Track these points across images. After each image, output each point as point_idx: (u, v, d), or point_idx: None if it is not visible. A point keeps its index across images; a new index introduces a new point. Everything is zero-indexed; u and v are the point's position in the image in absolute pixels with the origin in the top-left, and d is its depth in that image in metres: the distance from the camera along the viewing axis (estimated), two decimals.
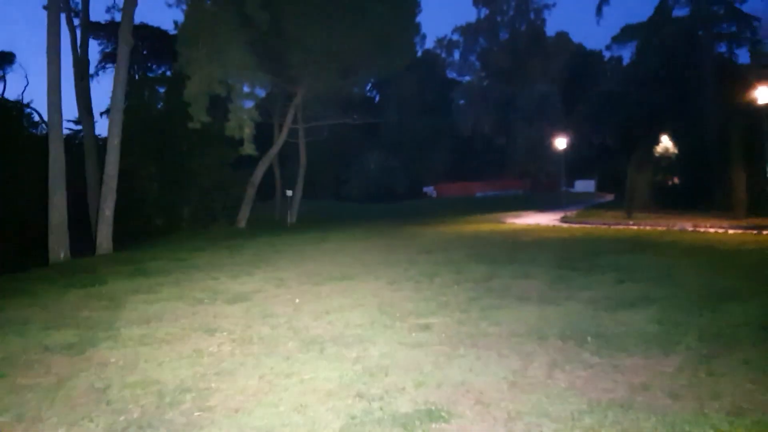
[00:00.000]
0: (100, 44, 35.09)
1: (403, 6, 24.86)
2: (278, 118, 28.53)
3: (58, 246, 15.13)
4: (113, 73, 18.18)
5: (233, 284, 8.93)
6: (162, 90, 28.74)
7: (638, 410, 3.33)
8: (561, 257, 10.05)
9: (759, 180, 16.00)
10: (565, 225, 19.11)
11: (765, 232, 13.17)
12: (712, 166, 22.77)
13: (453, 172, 57.52)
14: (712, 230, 14.35)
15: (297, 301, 7.31)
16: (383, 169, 51.44)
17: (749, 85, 18.31)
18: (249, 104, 20.03)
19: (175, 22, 19.93)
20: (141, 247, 17.82)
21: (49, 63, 15.59)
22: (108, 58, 35.83)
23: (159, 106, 27.47)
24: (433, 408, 3.52)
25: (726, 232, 13.68)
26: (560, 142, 31.28)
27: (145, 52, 36.96)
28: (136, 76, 32.68)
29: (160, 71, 37.18)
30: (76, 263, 13.63)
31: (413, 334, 5.33)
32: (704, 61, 27.13)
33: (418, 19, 27.41)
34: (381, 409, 3.55)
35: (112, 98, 17.63)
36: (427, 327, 5.59)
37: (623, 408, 3.36)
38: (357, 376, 4.19)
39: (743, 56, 33.67)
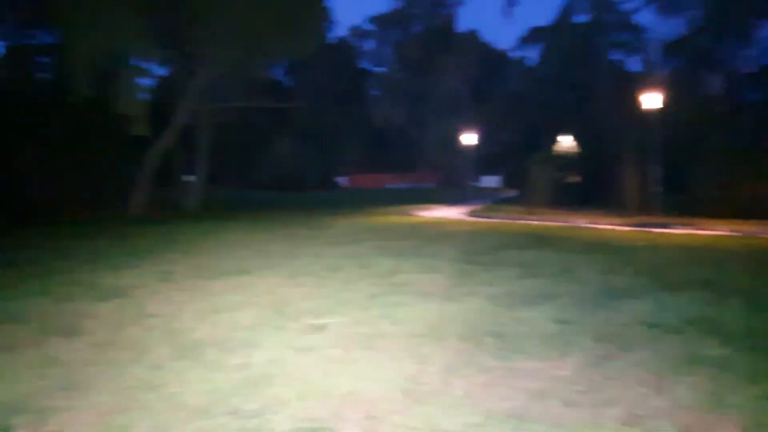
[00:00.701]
0: None
1: None
2: (180, 98, 26.89)
3: None
4: None
5: (112, 278, 8.07)
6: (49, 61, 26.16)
7: (534, 421, 3.12)
8: (466, 251, 10.01)
9: (649, 180, 17.00)
10: (471, 219, 19.43)
11: (654, 230, 13.96)
12: (608, 167, 24.07)
13: (366, 163, 57.53)
14: (606, 227, 15.05)
15: (182, 298, 6.66)
16: (295, 156, 50.34)
17: (641, 91, 19.46)
18: (142, 80, 18.53)
19: None
20: (19, 234, 16.03)
21: None
22: None
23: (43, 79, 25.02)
24: (316, 425, 3.14)
25: (619, 229, 14.39)
26: (469, 138, 31.97)
27: (27, 18, 33.52)
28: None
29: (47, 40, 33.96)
30: None
31: (306, 337, 4.91)
32: (601, 66, 28.64)
33: (328, 4, 26.86)
34: (257, 428, 3.12)
35: None
36: (322, 328, 5.19)
37: (519, 420, 3.15)
38: (235, 388, 3.72)
39: (635, 64, 35.99)
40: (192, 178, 26.14)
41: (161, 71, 33.29)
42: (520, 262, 8.67)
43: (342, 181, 57.70)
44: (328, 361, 4.23)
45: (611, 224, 15.69)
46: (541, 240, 11.79)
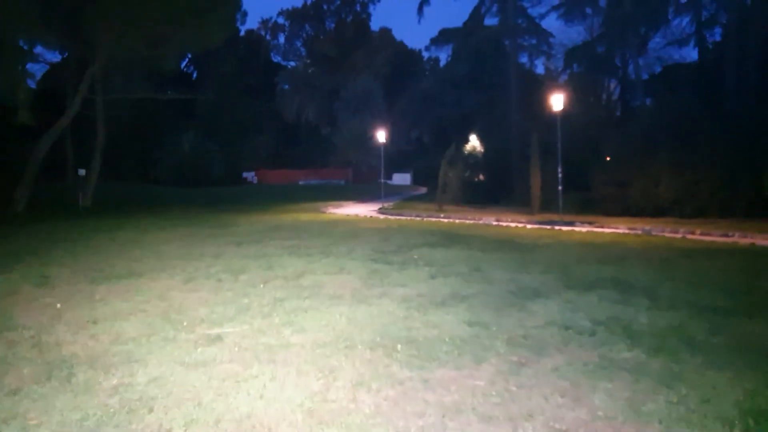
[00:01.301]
0: None
1: None
2: (74, 86, 24.73)
3: None
4: None
5: None
6: None
7: None
8: (377, 250, 9.74)
9: (552, 180, 17.63)
10: (382, 216, 19.28)
11: (557, 228, 14.42)
12: (513, 166, 24.84)
13: (276, 159, 56.17)
14: (513, 225, 15.39)
15: (59, 305, 5.87)
16: (199, 151, 48.11)
17: (545, 93, 20.18)
18: (30, 65, 16.73)
19: None
20: None
21: None
22: None
23: None
24: None
25: (525, 226, 14.74)
26: (380, 135, 31.90)
27: None
28: None
29: None
30: None
31: (199, 350, 4.39)
32: (509, 68, 29.53)
33: None
34: None
35: None
36: (218, 338, 4.68)
37: None
38: (107, 416, 3.17)
39: (540, 67, 37.51)
40: (83, 171, 24.06)
41: (53, 57, 30.63)
42: (431, 261, 8.52)
43: (250, 177, 55.97)
44: (223, 379, 3.75)
45: (517, 222, 16.09)
46: (450, 238, 11.77)
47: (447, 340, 4.54)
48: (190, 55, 56.05)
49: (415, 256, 9.02)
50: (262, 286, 6.83)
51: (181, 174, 46.27)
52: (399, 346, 4.37)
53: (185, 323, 5.13)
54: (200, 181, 45.21)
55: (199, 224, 15.83)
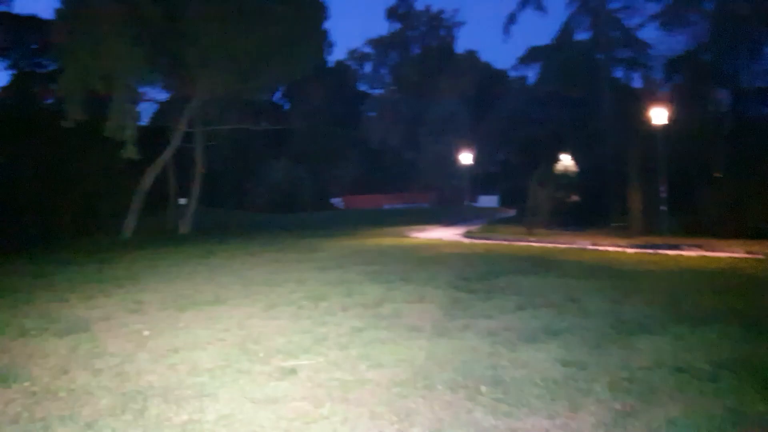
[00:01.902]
0: None
1: (309, 10, 23.77)
2: (175, 121, 26.45)
3: None
4: None
5: (80, 308, 7.41)
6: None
7: None
8: (461, 277, 9.29)
9: (654, 199, 16.34)
10: (467, 240, 18.73)
11: (661, 252, 13.24)
12: (609, 185, 23.45)
13: (361, 184, 57.00)
14: (611, 249, 14.33)
15: (146, 333, 5.95)
16: (290, 178, 49.82)
17: (644, 108, 18.90)
18: (133, 103, 17.98)
19: (57, 11, 17.49)
20: (5, 257, 15.31)
21: None
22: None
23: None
24: None
25: (624, 251, 13.66)
26: (466, 158, 31.41)
27: (35, 47, 33.21)
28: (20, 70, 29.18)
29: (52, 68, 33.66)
30: None
31: (271, 384, 4.20)
32: (602, 83, 28.20)
33: (327, 26, 26.49)
34: None
35: None
36: (292, 372, 4.48)
37: None
38: None
39: (637, 80, 35.54)
40: (183, 200, 25.52)
41: (157, 94, 33.09)
42: (521, 290, 7.96)
43: (337, 202, 57.09)
44: (292, 419, 3.51)
45: (616, 246, 15.00)
46: (542, 264, 11.08)
47: (538, 381, 4.06)
48: (282, 88, 58.65)
49: (502, 284, 8.49)
50: (340, 314, 6.63)
51: (273, 200, 48.06)
52: (483, 388, 3.95)
53: (261, 354, 4.99)
54: (292, 207, 46.68)
55: (287, 249, 16.08)
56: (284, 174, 49.69)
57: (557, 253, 13.56)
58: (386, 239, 19.63)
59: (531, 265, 10.85)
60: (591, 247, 15.13)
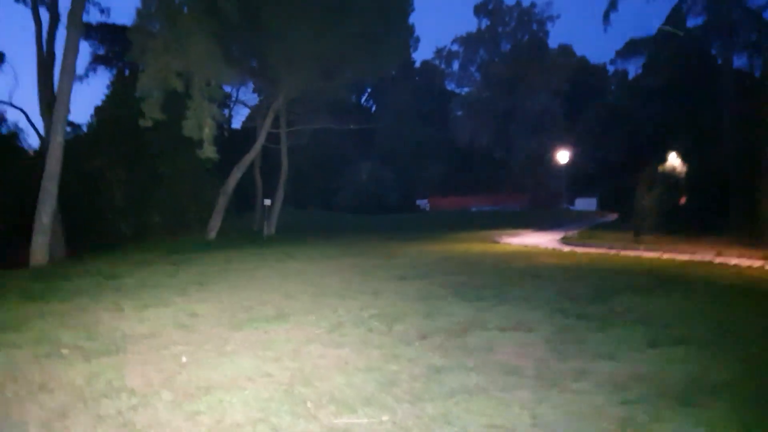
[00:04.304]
0: (90, 45, 32.82)
1: (394, 4, 22.70)
2: (259, 121, 26.42)
3: None
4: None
5: (129, 321, 6.68)
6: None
7: None
8: (566, 296, 7.74)
9: None
10: (566, 248, 16.83)
11: None
12: (729, 187, 20.55)
13: (448, 185, 55.40)
14: (746, 262, 12.02)
15: (184, 359, 5.00)
16: (376, 179, 49.25)
17: None
18: (212, 102, 17.70)
19: (138, 11, 17.58)
20: (89, 258, 15.48)
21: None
22: (99, 60, 33.49)
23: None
24: None
25: (764, 266, 11.32)
26: (562, 156, 29.14)
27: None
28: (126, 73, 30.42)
29: None
30: None
31: None
32: (719, 73, 25.00)
33: (412, 22, 25.28)
34: None
35: (58, 91, 15.49)
36: None
37: None
38: None
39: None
40: (268, 201, 25.35)
41: (242, 95, 33.47)
42: (646, 316, 6.33)
43: (423, 204, 55.84)
44: None
45: (746, 258, 12.65)
46: (662, 280, 9.24)
47: None
48: (368, 89, 58.36)
49: (620, 308, 6.87)
50: (417, 344, 5.37)
51: (359, 202, 47.68)
52: None
53: (309, 403, 3.84)
54: (377, 208, 46.05)
55: (368, 254, 15.08)
56: (369, 175, 49.22)
57: (677, 267, 11.49)
58: (475, 245, 18.13)
59: (650, 281, 9.04)
60: (717, 260, 12.83)
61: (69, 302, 8.00)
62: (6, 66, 29.04)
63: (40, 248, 15.01)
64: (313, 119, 28.40)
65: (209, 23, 16.88)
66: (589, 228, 26.84)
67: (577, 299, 7.41)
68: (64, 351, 5.25)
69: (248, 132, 33.50)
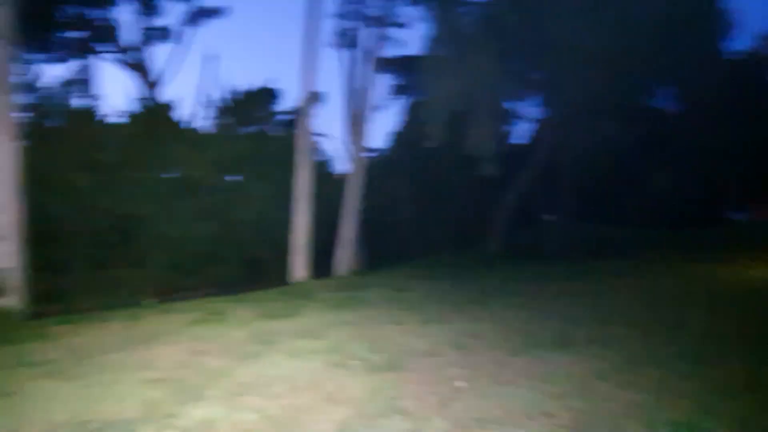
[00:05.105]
0: (388, 77, 36.82)
1: None
2: (537, 135, 25.90)
3: (297, 266, 15.28)
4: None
5: (409, 336, 6.87)
6: None
7: None
8: None
9: None
10: None
11: None
12: None
13: None
14: None
15: (458, 384, 4.85)
16: (671, 189, 43.48)
17: None
18: (494, 119, 17.90)
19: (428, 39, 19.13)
20: (383, 270, 16.99)
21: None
22: (396, 89, 37.21)
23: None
24: None
25: None
26: None
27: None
28: None
29: None
30: (297, 286, 13.38)
31: None
32: None
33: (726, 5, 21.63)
34: None
35: (360, 119, 17.64)
36: None
37: None
38: None
39: None
40: (554, 217, 24.60)
41: (526, 110, 33.29)
42: None
43: (739, 216, 47.10)
44: None
45: None
46: None
47: None
48: (667, 88, 52.33)
49: None
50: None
51: (654, 215, 42.85)
52: None
53: None
54: (673, 222, 40.66)
55: (663, 277, 13.14)
56: (664, 185, 43.79)
57: None
58: None
59: None
60: None
61: (361, 312, 8.68)
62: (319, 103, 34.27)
63: (343, 260, 17.08)
64: (599, 129, 26.57)
65: (493, 42, 17.17)
66: None
67: None
68: (353, 362, 5.61)
69: (527, 146, 33.18)
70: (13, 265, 8.43)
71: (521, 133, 36.32)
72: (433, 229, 26.10)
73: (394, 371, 5.24)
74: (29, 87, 14.97)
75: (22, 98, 9.10)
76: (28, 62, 15.49)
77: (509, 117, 33.29)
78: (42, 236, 10.19)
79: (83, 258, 13.24)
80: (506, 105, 24.70)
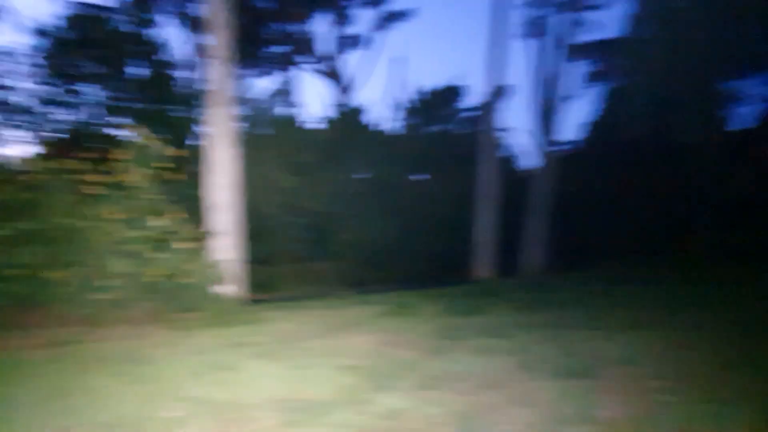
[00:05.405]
0: (583, 63, 34.87)
1: None
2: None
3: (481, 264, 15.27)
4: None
5: (603, 341, 6.32)
6: None
7: None
8: None
9: None
10: None
11: None
12: None
13: None
14: None
15: (658, 397, 4.35)
16: None
17: None
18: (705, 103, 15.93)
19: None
20: (575, 271, 16.08)
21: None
22: (592, 76, 35.06)
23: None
24: None
25: None
26: None
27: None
28: None
29: None
30: (482, 284, 13.28)
31: None
32: None
33: None
34: None
35: (550, 111, 17.00)
36: None
37: None
38: None
39: None
40: None
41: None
42: None
43: None
44: None
45: None
46: None
47: None
48: None
49: None
50: None
51: None
52: None
53: None
54: None
55: None
56: None
57: None
58: None
59: None
60: None
61: (550, 314, 8.19)
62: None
63: (531, 259, 16.56)
64: None
65: (707, 18, 15.27)
66: None
67: None
68: (541, 365, 5.35)
69: (750, 131, 28.61)
70: (235, 257, 9.66)
71: (742, 118, 31.71)
72: (631, 228, 23.88)
73: (586, 378, 4.89)
74: (243, 99, 17.08)
75: (238, 110, 10.24)
76: (241, 77, 17.67)
77: (727, 99, 29.16)
78: (254, 232, 11.50)
79: (287, 252, 14.74)
80: (723, 85, 21.60)
